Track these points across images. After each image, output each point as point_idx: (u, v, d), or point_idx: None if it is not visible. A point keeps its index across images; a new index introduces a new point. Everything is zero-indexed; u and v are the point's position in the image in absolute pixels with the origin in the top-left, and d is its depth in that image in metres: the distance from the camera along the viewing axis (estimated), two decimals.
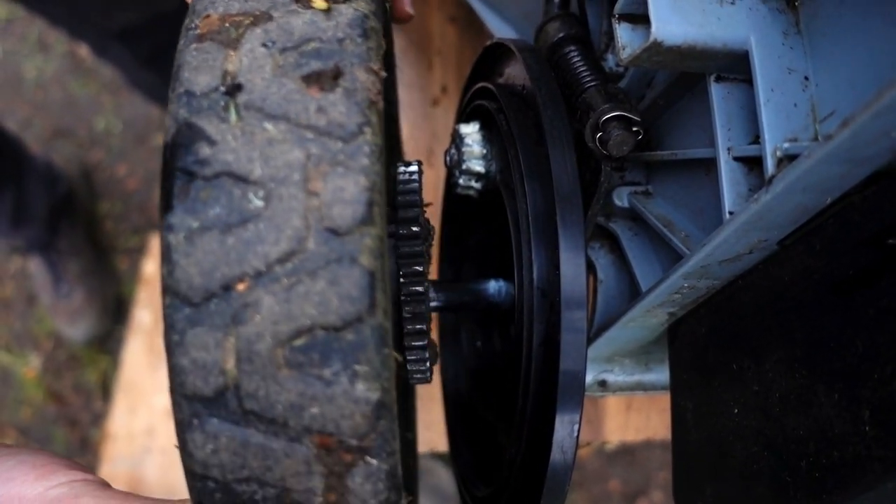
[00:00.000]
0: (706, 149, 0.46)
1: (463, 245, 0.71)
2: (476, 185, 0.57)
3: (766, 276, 0.44)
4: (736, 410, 0.47)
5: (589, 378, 0.64)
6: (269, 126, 0.35)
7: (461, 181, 0.57)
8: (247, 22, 0.38)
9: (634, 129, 0.46)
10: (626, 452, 1.63)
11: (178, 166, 0.34)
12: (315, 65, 0.36)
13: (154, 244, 1.67)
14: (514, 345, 0.49)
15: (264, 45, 0.37)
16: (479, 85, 0.57)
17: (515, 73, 0.54)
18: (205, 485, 0.35)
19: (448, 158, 0.58)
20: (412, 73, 0.99)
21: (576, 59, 0.52)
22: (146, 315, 1.62)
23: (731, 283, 0.47)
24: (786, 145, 0.37)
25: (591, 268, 0.61)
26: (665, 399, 0.57)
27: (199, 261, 0.34)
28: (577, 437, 0.45)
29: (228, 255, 0.34)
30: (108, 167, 1.85)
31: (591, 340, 0.59)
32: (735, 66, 0.40)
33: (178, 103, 0.36)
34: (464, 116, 0.60)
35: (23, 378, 1.74)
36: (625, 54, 0.41)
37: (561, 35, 0.53)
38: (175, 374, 0.34)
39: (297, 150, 0.35)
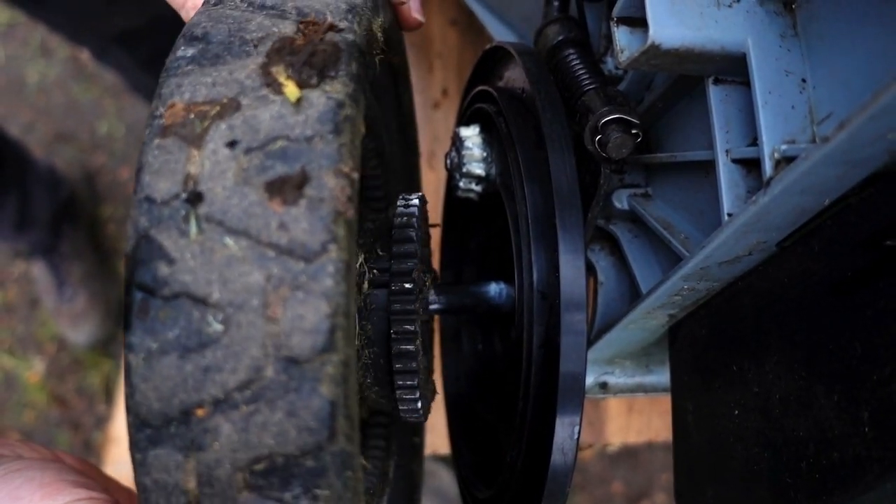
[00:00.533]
0: (705, 151, 0.46)
1: (463, 247, 0.71)
2: (476, 187, 0.57)
3: (765, 277, 0.44)
4: (736, 412, 0.47)
5: (590, 380, 0.64)
6: (229, 242, 0.34)
7: (461, 184, 0.57)
8: (213, 113, 0.36)
9: (633, 131, 0.46)
10: (629, 454, 1.63)
11: (137, 283, 0.34)
12: (280, 169, 0.34)
13: None
14: (515, 347, 0.49)
15: (229, 144, 0.35)
16: (479, 88, 0.58)
17: (515, 76, 0.55)
18: None
19: (448, 161, 0.58)
20: (413, 76, 0.99)
21: (575, 62, 0.52)
22: None
23: (730, 284, 0.47)
24: (784, 147, 0.37)
25: (591, 270, 0.61)
26: (666, 401, 0.57)
27: (158, 386, 0.33)
28: (578, 439, 0.45)
29: (186, 382, 0.33)
30: (110, 171, 1.86)
31: (591, 342, 0.59)
32: (733, 68, 0.41)
33: (138, 210, 0.35)
34: (464, 119, 0.61)
35: (26, 382, 1.75)
36: (623, 57, 0.41)
37: (560, 38, 0.54)
38: (139, 491, 0.34)
39: (256, 272, 0.33)
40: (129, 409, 0.34)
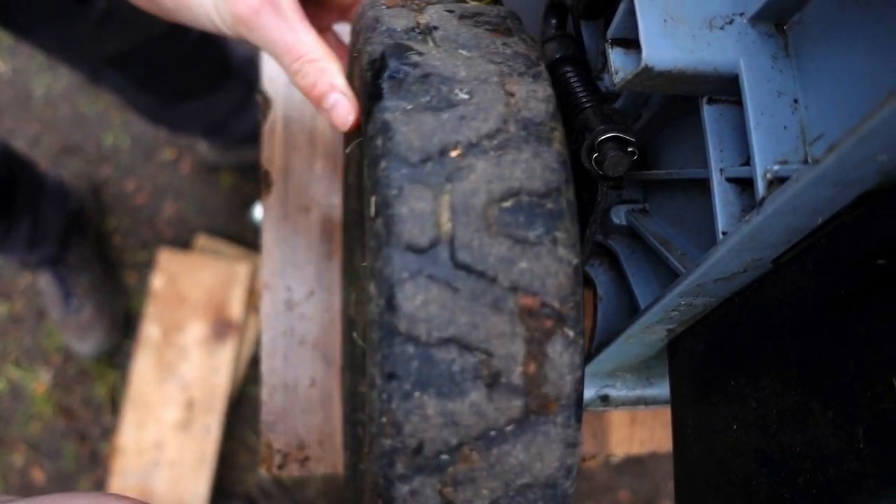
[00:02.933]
0: (700, 169, 0.46)
1: None
2: None
3: (760, 294, 0.44)
4: (734, 427, 0.47)
5: (591, 393, 0.64)
6: (463, 52, 0.40)
7: None
8: (424, 3, 0.44)
9: (629, 149, 0.47)
10: (635, 463, 1.63)
11: (390, 68, 0.39)
12: (489, 26, 0.43)
13: (162, 259, 1.68)
14: None
15: (447, 10, 0.43)
16: None
17: None
18: (404, 350, 0.34)
19: None
20: None
21: (572, 80, 0.53)
22: (154, 329, 1.64)
23: (727, 300, 0.47)
24: (776, 167, 0.38)
25: (591, 284, 0.61)
26: (668, 412, 0.57)
27: (418, 128, 0.37)
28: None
29: (444, 126, 0.37)
30: (116, 183, 1.87)
31: (591, 356, 0.59)
32: (726, 88, 0.41)
33: (380, 35, 0.41)
34: None
35: (32, 393, 1.76)
36: (618, 78, 0.42)
37: (558, 56, 0.54)
38: (393, 223, 0.35)
39: (491, 65, 0.39)
40: (386, 153, 0.36)
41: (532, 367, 0.35)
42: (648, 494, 1.63)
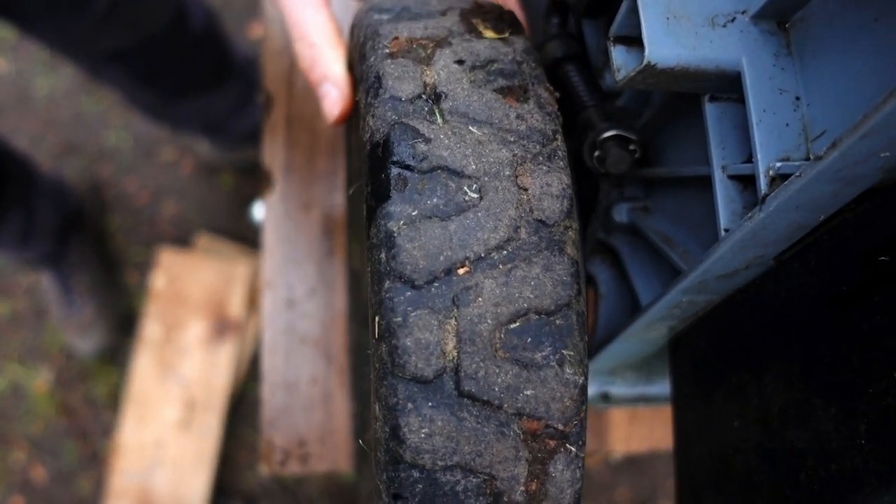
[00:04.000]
0: (702, 166, 0.46)
1: None
2: None
3: (762, 291, 0.44)
4: (736, 424, 0.47)
5: (592, 391, 0.64)
6: (473, 129, 0.38)
7: None
8: (432, 45, 0.41)
9: (631, 147, 0.47)
10: (633, 462, 1.63)
11: (395, 160, 0.36)
12: (504, 81, 0.40)
13: (162, 258, 1.68)
14: None
15: (457, 62, 0.40)
16: None
17: None
18: (409, 475, 0.34)
19: None
20: None
21: (574, 79, 0.53)
22: (155, 328, 1.64)
23: (729, 297, 0.47)
24: (778, 164, 0.38)
25: (592, 282, 0.61)
26: (668, 410, 0.57)
27: (424, 245, 0.35)
28: None
29: (451, 241, 0.35)
30: (117, 182, 1.87)
31: (593, 354, 0.59)
32: (728, 86, 0.41)
33: (384, 107, 0.38)
34: None
35: (34, 391, 1.76)
36: (620, 76, 0.42)
37: (560, 55, 0.54)
38: (398, 355, 0.34)
39: (504, 150, 0.37)
40: (390, 273, 0.35)
41: (534, 486, 0.35)
42: (647, 492, 1.63)
